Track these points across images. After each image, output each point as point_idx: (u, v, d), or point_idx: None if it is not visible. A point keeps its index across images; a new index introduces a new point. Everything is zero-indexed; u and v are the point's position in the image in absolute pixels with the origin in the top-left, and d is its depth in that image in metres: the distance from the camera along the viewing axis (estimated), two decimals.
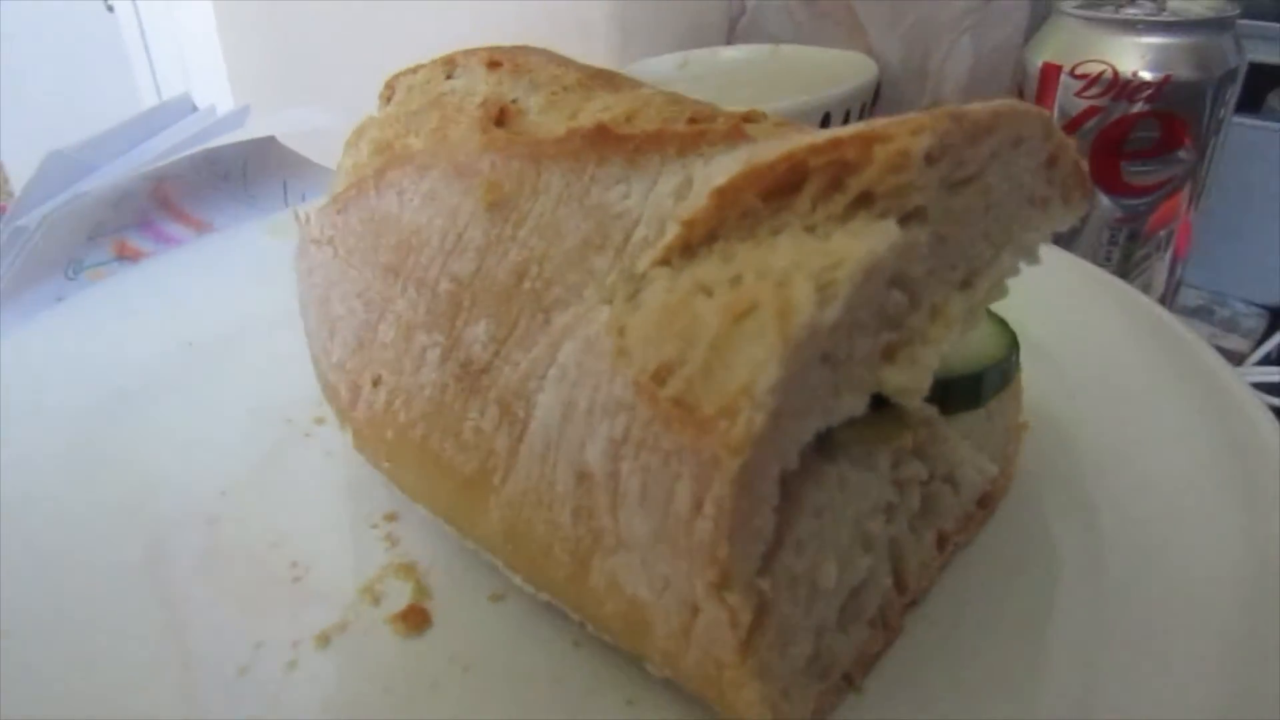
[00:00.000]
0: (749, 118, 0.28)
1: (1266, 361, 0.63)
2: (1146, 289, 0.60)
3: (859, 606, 0.25)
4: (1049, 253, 0.45)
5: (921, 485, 0.27)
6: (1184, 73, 0.52)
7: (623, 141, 0.27)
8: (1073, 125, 0.55)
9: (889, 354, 0.22)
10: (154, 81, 1.63)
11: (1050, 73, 0.56)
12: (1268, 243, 0.67)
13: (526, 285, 0.26)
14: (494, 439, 0.26)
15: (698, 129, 0.27)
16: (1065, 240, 0.58)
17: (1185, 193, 0.57)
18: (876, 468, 0.24)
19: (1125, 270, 0.59)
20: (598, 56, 0.33)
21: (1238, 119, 0.61)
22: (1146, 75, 0.52)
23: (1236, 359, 0.63)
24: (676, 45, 0.89)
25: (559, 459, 0.24)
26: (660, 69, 0.83)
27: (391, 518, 0.33)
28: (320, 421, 0.38)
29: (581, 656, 0.27)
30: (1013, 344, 0.30)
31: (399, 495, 0.33)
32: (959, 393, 0.28)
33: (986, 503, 0.30)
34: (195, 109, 0.54)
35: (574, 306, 0.25)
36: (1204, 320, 0.70)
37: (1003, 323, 0.31)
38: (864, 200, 0.22)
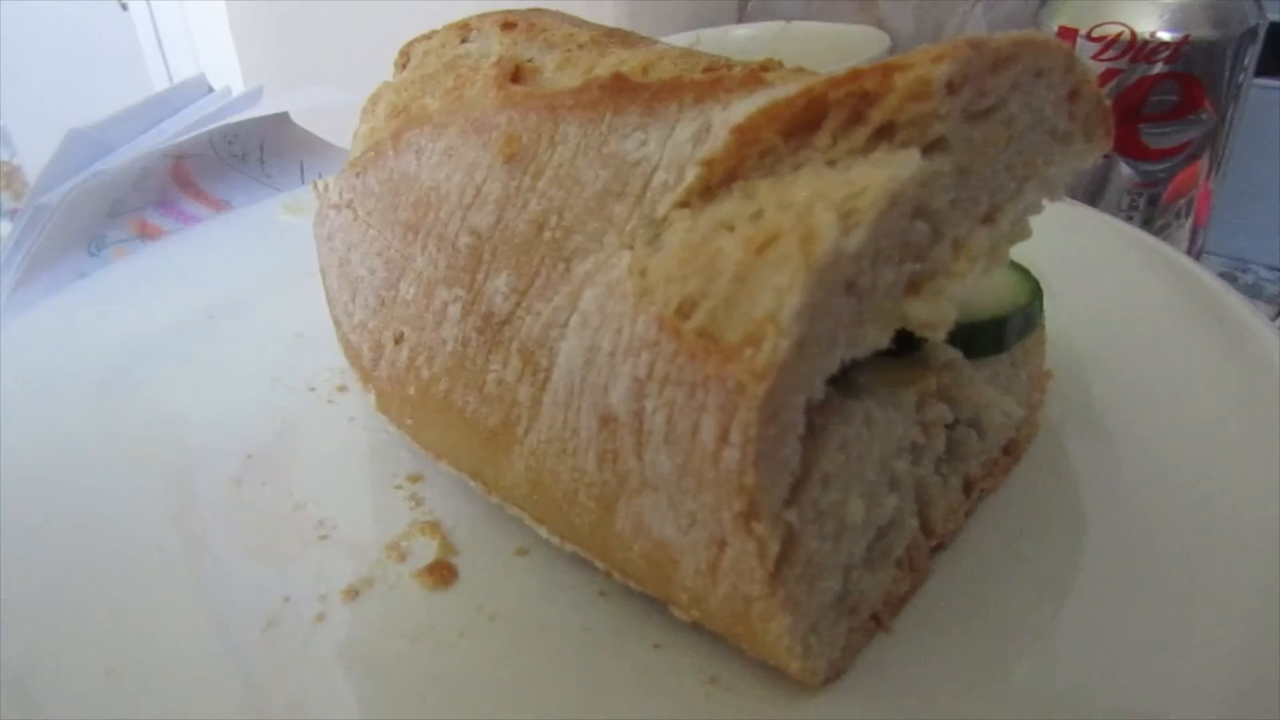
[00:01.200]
0: (766, 66, 0.28)
1: None
2: None
3: (886, 547, 0.25)
4: (1076, 209, 0.45)
5: (947, 429, 0.27)
6: (1202, 32, 0.51)
7: (639, 91, 0.27)
8: None
9: (913, 287, 0.22)
10: (168, 77, 1.64)
11: (1066, 36, 0.55)
12: None
13: (546, 235, 0.26)
14: (517, 389, 0.26)
15: (714, 76, 0.27)
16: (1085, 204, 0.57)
17: (1205, 159, 0.56)
18: (902, 407, 0.24)
19: None
20: None
21: (1260, 82, 0.60)
22: (1164, 35, 0.52)
23: None
24: (687, 25, 0.89)
25: (583, 404, 0.24)
26: None
27: (415, 479, 0.33)
28: (342, 390, 0.38)
29: (607, 605, 0.27)
30: (1036, 292, 0.30)
31: (422, 457, 0.33)
32: (983, 338, 0.28)
33: (1012, 450, 0.30)
34: (211, 89, 0.54)
35: (595, 254, 0.25)
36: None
37: (1026, 271, 0.31)
38: (885, 132, 0.21)
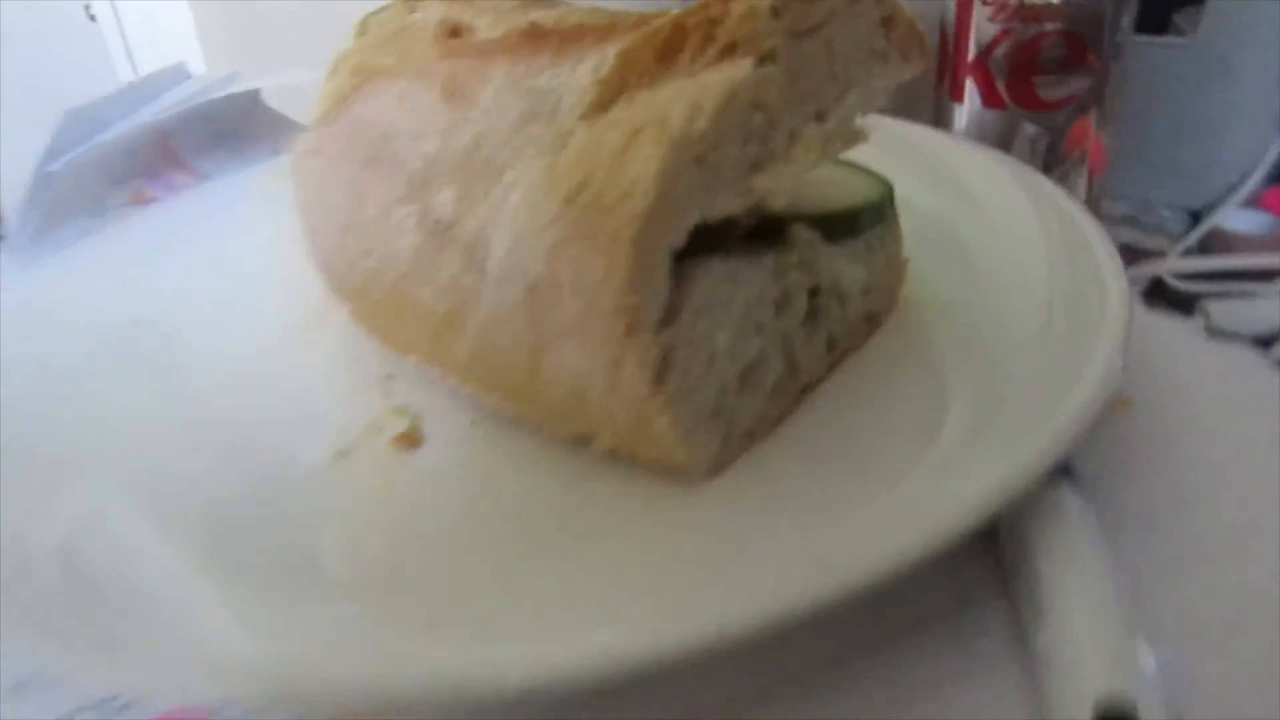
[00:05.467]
0: (655, 15, 0.35)
1: (1188, 254, 0.68)
2: None
3: (756, 379, 0.31)
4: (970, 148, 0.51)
5: (810, 295, 0.33)
6: None
7: (551, 36, 0.33)
8: (989, 48, 0.62)
9: (757, 166, 0.28)
10: None
11: (965, 3, 0.62)
12: (1185, 151, 0.73)
13: (481, 154, 0.33)
14: (462, 279, 0.33)
15: (611, 23, 0.34)
16: None
17: (1094, 112, 0.63)
18: (762, 266, 0.31)
19: None
20: None
21: (1148, 39, 0.67)
22: None
23: (1162, 255, 0.69)
24: None
25: (513, 280, 0.31)
26: None
27: (389, 378, 0.39)
28: (323, 316, 0.44)
29: (536, 444, 0.33)
30: (888, 193, 0.37)
31: (392, 360, 0.39)
32: (838, 224, 0.34)
33: (873, 319, 0.37)
34: (189, 76, 0.60)
35: (520, 164, 0.31)
36: (1132, 226, 0.75)
37: (882, 178, 0.37)
38: (730, 50, 0.28)
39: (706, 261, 0.29)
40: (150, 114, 0.55)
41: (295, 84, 0.59)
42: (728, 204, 0.28)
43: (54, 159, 0.49)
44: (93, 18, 1.60)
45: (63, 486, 0.33)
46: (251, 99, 0.61)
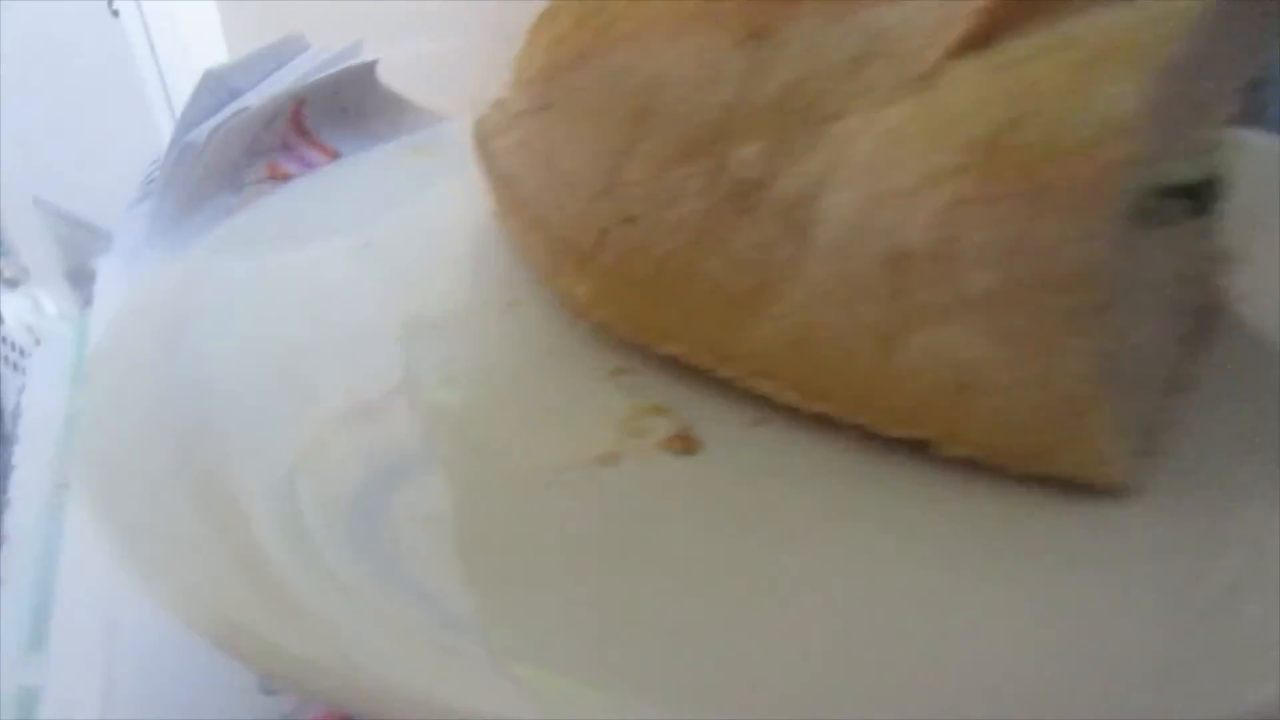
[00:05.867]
0: None
1: None
2: None
3: (1145, 373, 0.26)
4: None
5: (1179, 275, 0.28)
6: None
7: None
8: None
9: (1196, 116, 0.24)
10: (161, 84, 1.62)
11: None
12: None
13: (797, 102, 0.27)
14: (773, 250, 0.28)
15: None
16: None
17: None
18: (1152, 242, 0.26)
19: None
20: None
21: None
22: None
23: None
24: None
25: (863, 251, 0.25)
26: None
27: (620, 371, 0.34)
28: (514, 304, 0.39)
29: (855, 455, 0.28)
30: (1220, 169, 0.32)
31: (622, 352, 0.34)
32: (1193, 198, 0.30)
33: (1211, 311, 0.32)
34: (309, 46, 0.55)
35: (855, 114, 0.26)
36: None
37: None
38: None
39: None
40: (278, 83, 0.49)
41: (429, 54, 0.54)
42: (1174, 170, 0.23)
43: (189, 127, 0.43)
44: (115, 13, 1.53)
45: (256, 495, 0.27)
46: (369, 73, 0.56)
